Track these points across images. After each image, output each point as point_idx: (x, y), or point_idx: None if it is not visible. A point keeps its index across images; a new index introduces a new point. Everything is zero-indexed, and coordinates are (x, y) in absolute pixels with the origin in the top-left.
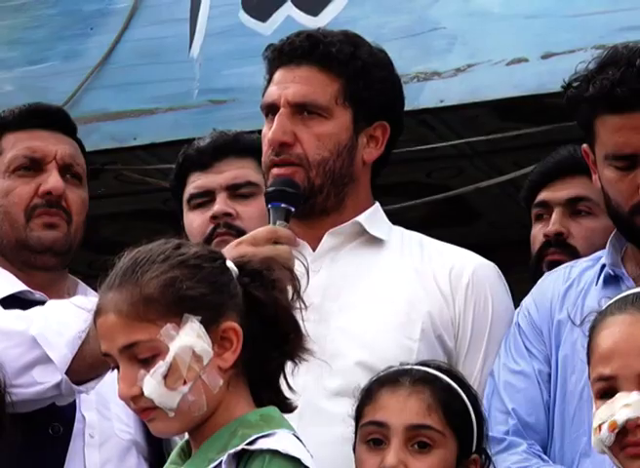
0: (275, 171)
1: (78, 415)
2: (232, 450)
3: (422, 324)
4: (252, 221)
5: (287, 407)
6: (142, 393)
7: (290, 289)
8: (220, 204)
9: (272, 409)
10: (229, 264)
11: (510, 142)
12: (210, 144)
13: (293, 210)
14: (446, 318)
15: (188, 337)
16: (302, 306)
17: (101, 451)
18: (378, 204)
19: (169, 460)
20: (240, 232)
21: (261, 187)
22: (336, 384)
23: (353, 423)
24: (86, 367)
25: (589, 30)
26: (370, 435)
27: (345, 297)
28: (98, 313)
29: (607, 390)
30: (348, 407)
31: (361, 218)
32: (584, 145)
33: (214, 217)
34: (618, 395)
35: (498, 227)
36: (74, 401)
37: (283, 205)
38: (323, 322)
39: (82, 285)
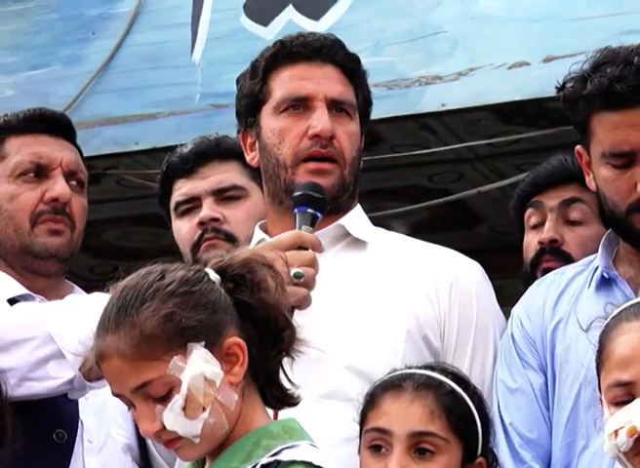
0: (314, 165)
1: None
2: (265, 461)
3: (408, 324)
4: (239, 225)
5: (291, 399)
6: (164, 427)
7: (273, 284)
8: (207, 209)
9: (293, 421)
10: (210, 273)
11: (512, 146)
12: (192, 150)
13: (319, 216)
14: (431, 318)
15: (197, 365)
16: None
17: (100, 456)
18: (359, 206)
19: None
20: (228, 236)
21: (247, 190)
22: (323, 388)
23: (350, 426)
24: None
25: (591, 34)
26: (373, 441)
27: (330, 301)
28: (100, 358)
29: (623, 396)
30: (337, 410)
31: (344, 221)
32: (578, 146)
33: (201, 223)
34: (636, 400)
35: (499, 231)
36: (77, 406)
37: (309, 210)
38: (308, 325)
39: (78, 290)
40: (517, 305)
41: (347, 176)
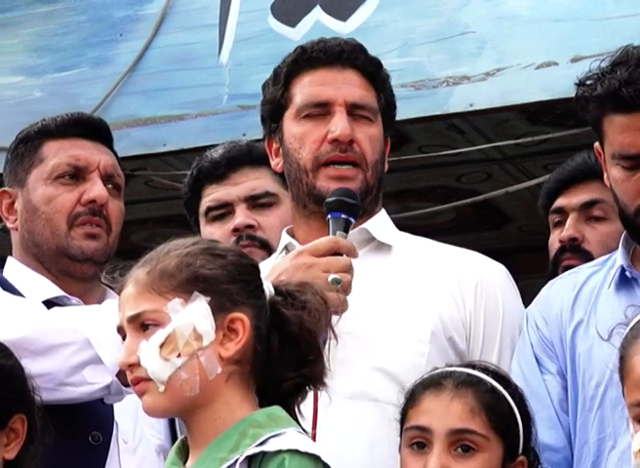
0: (334, 172)
1: None
2: (250, 452)
3: (433, 326)
4: (273, 231)
5: None
6: (140, 363)
7: (318, 313)
8: (241, 216)
9: (278, 409)
10: (266, 284)
11: (540, 146)
12: (224, 156)
13: (352, 221)
14: (456, 319)
15: (192, 314)
16: (332, 336)
17: (135, 456)
18: (384, 210)
19: (168, 460)
20: (263, 243)
21: (279, 196)
22: (349, 389)
23: (376, 428)
24: None
25: (619, 33)
26: (413, 439)
27: (355, 303)
28: (123, 286)
29: None
30: (363, 411)
31: (368, 225)
32: (596, 144)
33: (235, 230)
34: None
35: (527, 231)
36: (112, 408)
37: (343, 215)
38: (335, 328)
39: (111, 293)
40: (531, 307)
41: (370, 179)
